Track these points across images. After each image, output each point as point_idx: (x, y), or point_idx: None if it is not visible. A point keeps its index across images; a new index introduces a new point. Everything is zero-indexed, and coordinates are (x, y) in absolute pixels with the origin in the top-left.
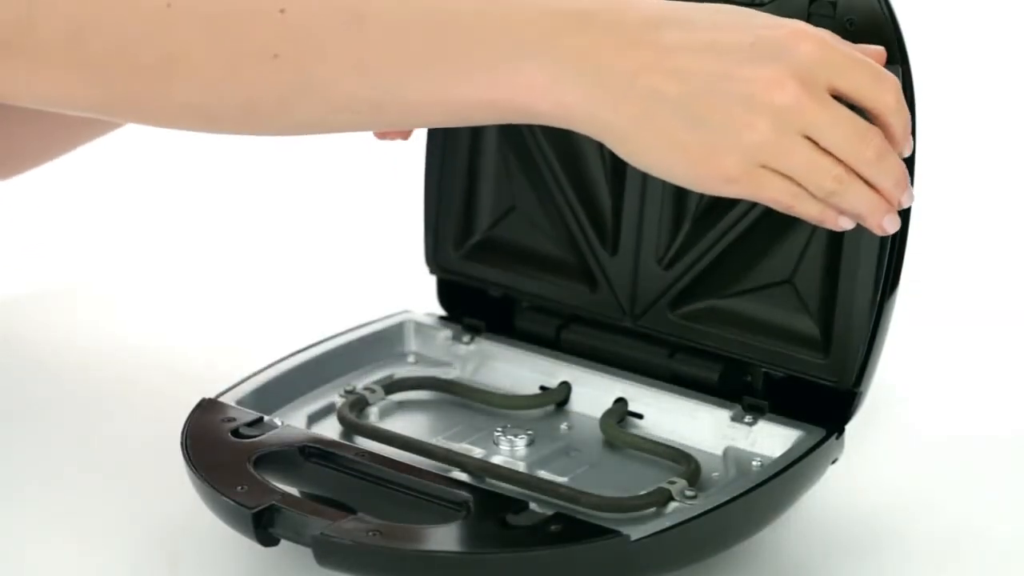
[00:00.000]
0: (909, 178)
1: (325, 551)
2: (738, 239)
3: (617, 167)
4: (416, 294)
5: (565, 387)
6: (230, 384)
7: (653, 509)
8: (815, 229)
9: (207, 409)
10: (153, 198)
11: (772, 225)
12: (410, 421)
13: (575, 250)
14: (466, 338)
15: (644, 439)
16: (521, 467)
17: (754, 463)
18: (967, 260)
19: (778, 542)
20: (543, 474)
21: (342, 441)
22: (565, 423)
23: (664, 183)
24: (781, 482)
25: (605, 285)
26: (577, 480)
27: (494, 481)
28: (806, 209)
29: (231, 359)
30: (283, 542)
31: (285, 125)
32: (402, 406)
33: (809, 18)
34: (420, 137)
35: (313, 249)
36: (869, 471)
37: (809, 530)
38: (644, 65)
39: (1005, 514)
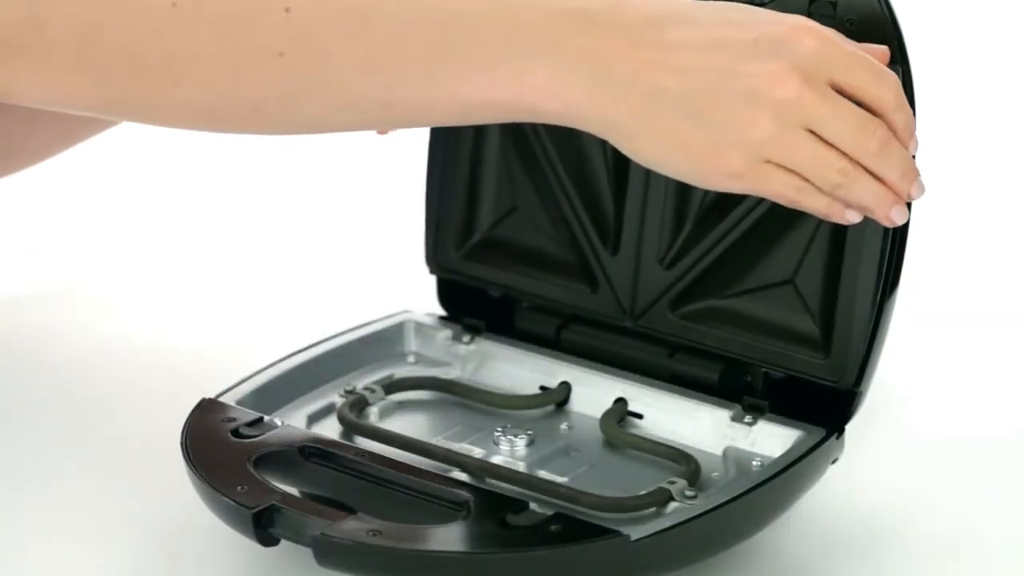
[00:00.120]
0: (917, 170)
1: (325, 551)
2: (740, 239)
3: (620, 167)
4: (416, 294)
5: (565, 387)
6: (230, 384)
7: (653, 509)
8: (817, 228)
9: (207, 409)
10: (153, 198)
11: (774, 225)
12: (410, 421)
13: (576, 250)
14: (466, 338)
15: (644, 439)
16: (521, 467)
17: (754, 463)
18: (967, 260)
19: (778, 542)
20: (543, 474)
21: (342, 441)
22: (565, 423)
23: (667, 182)
24: (781, 482)
25: (606, 285)
26: (577, 480)
27: (494, 481)
28: (812, 203)
29: (231, 359)
30: (283, 542)
31: (290, 124)
32: (402, 406)
33: (809, 17)
34: (421, 137)
35: (313, 249)
36: (869, 471)
37: (809, 530)
38: (647, 63)
39: (1005, 514)
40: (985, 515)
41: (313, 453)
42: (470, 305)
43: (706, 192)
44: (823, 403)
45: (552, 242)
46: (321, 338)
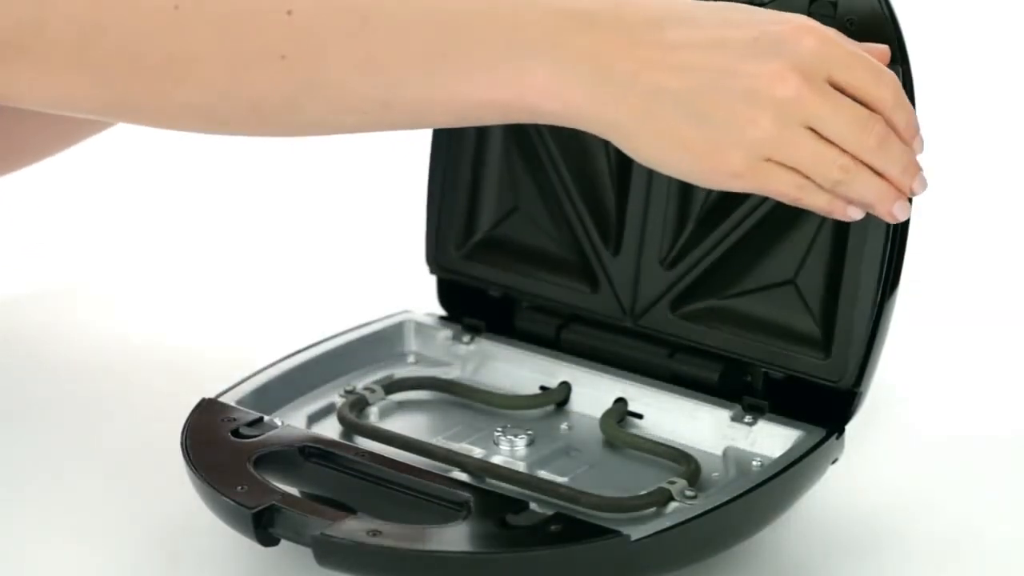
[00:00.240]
0: (919, 165)
1: (325, 551)
2: (742, 239)
3: (623, 167)
4: (416, 294)
5: (565, 387)
6: (230, 384)
7: (653, 509)
8: (819, 228)
9: (207, 409)
10: (153, 198)
11: (776, 225)
12: (410, 421)
13: (577, 250)
14: (466, 338)
15: (644, 439)
16: (521, 467)
17: (754, 463)
18: (967, 260)
19: (778, 542)
20: (543, 474)
21: (342, 441)
22: (565, 423)
23: (670, 182)
24: (781, 482)
25: (606, 285)
26: (577, 480)
27: (494, 481)
28: (814, 200)
29: (231, 359)
30: (283, 542)
31: (292, 126)
32: (402, 406)
33: (810, 17)
34: (421, 137)
35: (313, 249)
36: (869, 471)
37: (809, 530)
38: (647, 62)
39: (1005, 514)
40: (985, 515)
41: (313, 453)
42: (470, 305)
43: (708, 192)
44: (823, 403)
45: (553, 242)
46: (321, 338)
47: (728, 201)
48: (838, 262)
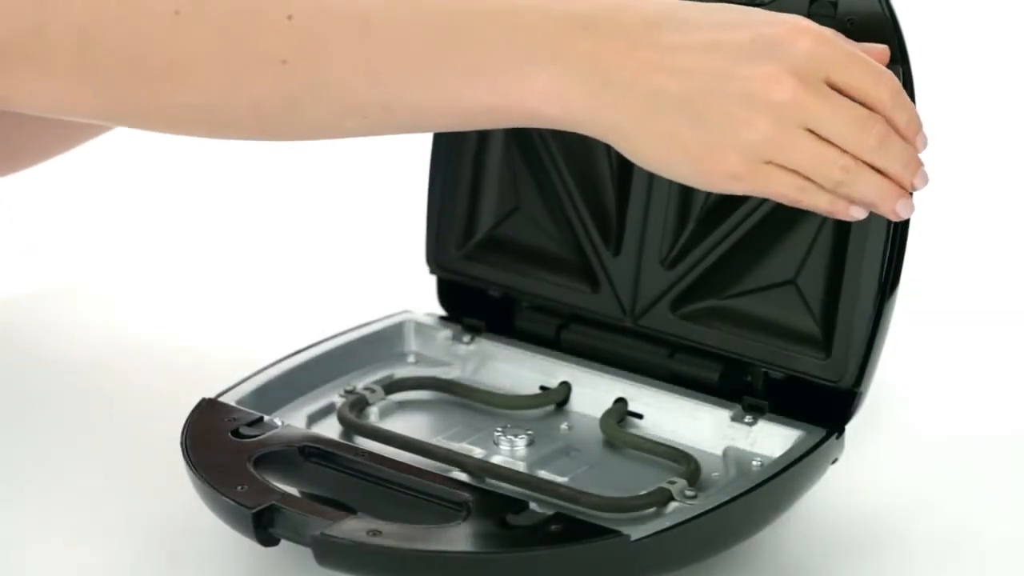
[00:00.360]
0: (920, 161)
1: (325, 551)
2: (743, 239)
3: (624, 167)
4: (416, 294)
5: (565, 387)
6: (230, 384)
7: (653, 509)
8: (820, 228)
9: (207, 409)
10: (153, 198)
11: (777, 225)
12: (410, 421)
13: (578, 250)
14: (466, 338)
15: (644, 439)
16: (521, 467)
17: (754, 463)
18: (967, 260)
19: (778, 542)
20: (543, 474)
21: (342, 441)
22: (565, 423)
23: (670, 183)
24: (781, 482)
25: (606, 285)
26: (577, 480)
27: (494, 481)
28: (815, 201)
29: (231, 359)
30: (283, 542)
31: (294, 130)
32: (402, 406)
33: (810, 18)
34: (423, 138)
35: (313, 249)
36: (869, 471)
37: (809, 530)
38: (646, 66)
39: (1005, 514)
40: (985, 515)
41: (313, 453)
42: (470, 305)
43: (709, 192)
44: (823, 403)
45: (554, 242)
46: (321, 338)
47: (728, 201)
48: (839, 262)
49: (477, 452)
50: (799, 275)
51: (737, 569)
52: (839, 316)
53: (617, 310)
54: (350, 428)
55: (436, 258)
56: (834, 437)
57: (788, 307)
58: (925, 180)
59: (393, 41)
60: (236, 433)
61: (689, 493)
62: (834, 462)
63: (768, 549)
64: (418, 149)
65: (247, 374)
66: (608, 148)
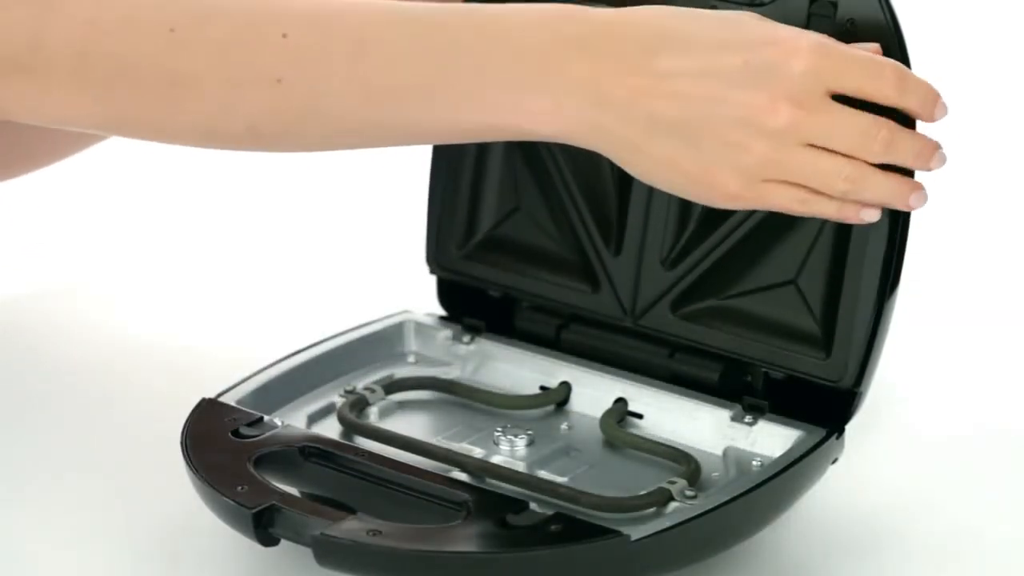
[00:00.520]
0: (934, 144)
1: (325, 551)
2: (743, 239)
3: None
4: (416, 294)
5: (565, 387)
6: (230, 384)
7: (653, 509)
8: (821, 229)
9: (207, 409)
10: (153, 198)
11: (777, 225)
12: (410, 421)
13: (578, 250)
14: (466, 338)
15: (644, 439)
16: (521, 467)
17: (754, 463)
18: (967, 260)
19: (778, 542)
20: (543, 474)
21: (342, 441)
22: (565, 423)
23: None
24: (781, 482)
25: (607, 285)
26: (577, 480)
27: (494, 481)
28: (822, 209)
29: (231, 359)
30: (283, 542)
31: (289, 146)
32: (402, 406)
33: (810, 18)
34: None
35: (313, 249)
36: (869, 471)
37: (809, 530)
38: (642, 90)
39: (1005, 514)
40: (985, 515)
41: (313, 453)
42: (470, 305)
43: None
44: (823, 403)
45: (554, 242)
46: (321, 338)
47: None
48: (839, 262)
49: (477, 452)
50: (799, 275)
51: (737, 569)
52: (839, 316)
53: (617, 310)
54: (350, 428)
55: (436, 258)
56: (834, 437)
57: (788, 307)
58: (942, 160)
59: (388, 62)
60: (236, 433)
61: (689, 493)
62: (834, 462)
63: (768, 549)
64: (419, 149)
65: (247, 374)
66: None
